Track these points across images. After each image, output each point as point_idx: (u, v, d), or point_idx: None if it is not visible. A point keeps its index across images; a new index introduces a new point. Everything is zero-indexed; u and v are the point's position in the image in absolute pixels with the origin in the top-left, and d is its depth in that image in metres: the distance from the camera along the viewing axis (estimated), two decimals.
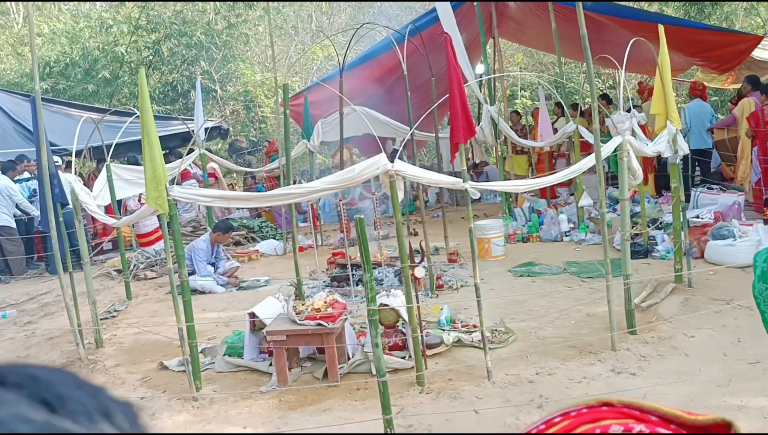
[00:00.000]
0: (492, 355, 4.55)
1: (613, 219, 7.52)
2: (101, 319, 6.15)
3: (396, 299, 4.71)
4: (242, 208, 10.94)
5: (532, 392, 4.15)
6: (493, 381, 4.34)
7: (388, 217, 9.91)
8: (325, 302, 4.73)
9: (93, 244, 9.26)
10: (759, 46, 9.95)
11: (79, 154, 7.54)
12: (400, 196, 4.42)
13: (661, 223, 7.57)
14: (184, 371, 4.65)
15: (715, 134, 9.89)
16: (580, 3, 4.82)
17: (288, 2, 17.95)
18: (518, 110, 14.40)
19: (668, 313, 5.33)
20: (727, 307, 5.29)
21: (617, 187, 5.70)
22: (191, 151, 9.20)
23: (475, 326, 5.10)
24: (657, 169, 9.72)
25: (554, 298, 5.99)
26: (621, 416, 0.58)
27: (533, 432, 0.60)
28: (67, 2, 17.64)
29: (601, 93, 11.59)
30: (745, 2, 15.70)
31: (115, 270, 8.49)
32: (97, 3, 17.71)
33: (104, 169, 7.32)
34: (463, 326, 5.30)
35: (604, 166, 6.36)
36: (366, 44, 13.18)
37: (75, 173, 6.34)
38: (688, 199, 7.38)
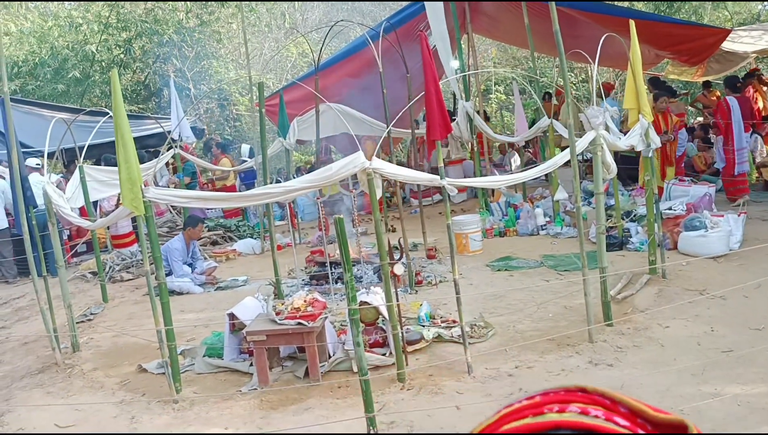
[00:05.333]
0: (472, 349, 4.59)
1: (588, 212, 7.61)
2: (77, 323, 6.07)
3: (376, 297, 4.72)
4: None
5: (512, 386, 4.20)
6: (474, 375, 4.38)
7: (366, 213, 9.92)
8: (304, 301, 4.72)
9: (67, 246, 9.12)
10: (727, 39, 10.14)
11: (51, 155, 7.41)
12: (378, 193, 4.43)
13: (635, 215, 7.68)
14: (164, 374, 4.62)
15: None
16: (553, 0, 4.87)
17: (262, 1, 17.80)
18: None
19: (643, 304, 5.42)
20: (700, 297, 5.39)
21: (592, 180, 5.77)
22: (170, 148, 9.10)
23: (454, 321, 5.14)
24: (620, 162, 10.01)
25: (532, 291, 6.05)
26: (590, 402, 0.60)
27: (515, 404, 0.64)
28: (37, 1, 17.26)
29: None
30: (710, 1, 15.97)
31: (90, 272, 8.37)
32: (66, 2, 17.39)
33: (77, 171, 7.22)
34: (442, 322, 5.33)
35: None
36: (340, 41, 13.14)
37: (52, 174, 6.24)
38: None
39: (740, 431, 3.40)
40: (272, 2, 18.68)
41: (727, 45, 10.86)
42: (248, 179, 11.58)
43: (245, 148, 11.81)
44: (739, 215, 7.00)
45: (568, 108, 4.96)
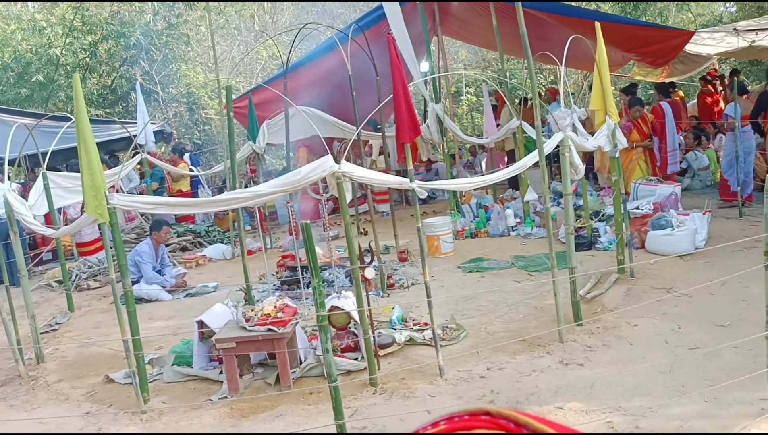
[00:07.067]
0: (444, 352, 4.59)
1: (558, 213, 7.67)
2: (42, 333, 5.93)
3: (347, 301, 4.69)
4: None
5: (484, 387, 4.20)
6: (446, 378, 4.37)
7: (337, 216, 9.87)
8: (274, 307, 4.67)
9: (32, 254, 8.92)
10: (691, 41, 10.33)
11: (12, 162, 7.24)
12: (348, 197, 4.40)
13: (603, 215, 7.77)
14: (131, 384, 4.53)
15: None
16: (520, 2, 4.89)
17: (230, 2, 17.62)
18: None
19: (612, 303, 5.48)
20: (667, 295, 5.47)
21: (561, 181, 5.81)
22: (136, 153, 8.96)
23: (426, 324, 5.13)
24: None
25: (503, 292, 6.08)
26: (494, 427, 0.61)
27: (419, 432, 0.64)
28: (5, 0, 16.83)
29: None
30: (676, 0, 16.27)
31: (55, 281, 8.19)
32: (29, 3, 17.02)
33: (40, 178, 7.06)
34: (414, 325, 5.32)
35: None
36: (310, 43, 13.07)
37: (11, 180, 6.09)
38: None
39: (710, 428, 3.45)
40: (241, 3, 18.51)
41: (690, 47, 11.08)
42: (194, 187, 11.58)
43: (185, 156, 11.74)
44: (704, 214, 7.12)
45: (536, 110, 4.98)
